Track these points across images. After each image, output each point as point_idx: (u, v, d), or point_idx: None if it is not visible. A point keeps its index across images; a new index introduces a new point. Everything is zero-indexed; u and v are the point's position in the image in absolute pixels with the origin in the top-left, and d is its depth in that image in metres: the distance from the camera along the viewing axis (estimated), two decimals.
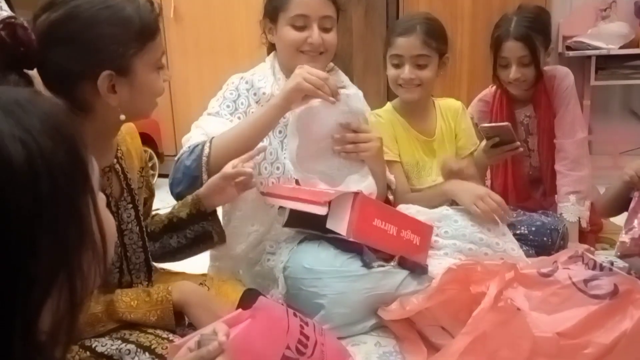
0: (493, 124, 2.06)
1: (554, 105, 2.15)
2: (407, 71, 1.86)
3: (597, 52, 3.31)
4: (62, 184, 0.55)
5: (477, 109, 2.28)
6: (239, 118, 1.64)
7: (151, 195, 1.49)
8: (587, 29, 3.45)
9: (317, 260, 1.56)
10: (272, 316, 1.05)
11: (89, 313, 1.15)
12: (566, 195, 2.08)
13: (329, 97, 1.52)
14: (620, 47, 3.26)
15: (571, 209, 2.06)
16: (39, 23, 1.09)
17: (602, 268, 1.35)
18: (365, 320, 1.58)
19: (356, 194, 1.52)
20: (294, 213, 1.61)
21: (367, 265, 1.54)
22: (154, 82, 1.20)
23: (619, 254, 1.60)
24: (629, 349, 1.23)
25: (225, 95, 1.68)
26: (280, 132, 1.67)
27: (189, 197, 1.44)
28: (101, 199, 0.64)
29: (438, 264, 1.63)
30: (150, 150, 3.56)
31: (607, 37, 3.31)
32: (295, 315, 1.12)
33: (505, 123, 2.03)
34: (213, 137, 1.53)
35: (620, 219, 1.79)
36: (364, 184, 1.67)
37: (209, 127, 1.60)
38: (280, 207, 1.65)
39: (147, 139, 3.57)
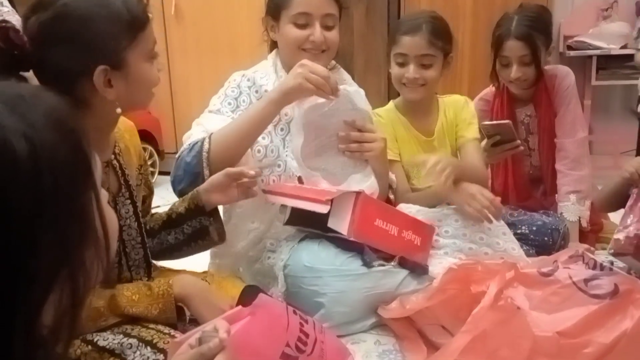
0: (494, 122, 2.06)
1: (554, 105, 2.14)
2: (411, 71, 1.84)
3: (598, 51, 3.31)
4: (65, 179, 0.55)
5: (478, 108, 2.26)
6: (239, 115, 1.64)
7: (150, 193, 1.49)
8: (588, 28, 3.45)
9: (317, 259, 1.56)
10: (272, 313, 1.05)
11: (91, 307, 1.15)
12: (566, 195, 2.08)
13: (329, 96, 1.52)
14: (621, 47, 3.26)
15: (571, 209, 2.06)
16: (29, 24, 1.09)
17: (602, 268, 1.34)
18: (365, 319, 1.58)
19: (358, 193, 1.52)
20: (295, 211, 1.60)
21: (367, 264, 1.54)
22: (148, 72, 1.21)
23: (612, 251, 1.59)
24: (629, 349, 1.23)
25: (226, 93, 1.68)
26: (282, 129, 1.67)
27: (189, 193, 1.44)
28: (103, 195, 0.64)
29: (438, 263, 1.63)
30: (150, 148, 3.56)
31: (608, 37, 3.31)
32: (295, 312, 1.12)
33: (506, 121, 2.02)
34: (212, 133, 1.53)
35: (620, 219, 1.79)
36: (367, 183, 1.66)
37: (209, 125, 1.60)
38: (282, 205, 1.65)
39: (148, 137, 3.58)
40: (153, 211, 1.53)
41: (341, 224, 1.51)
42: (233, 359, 0.82)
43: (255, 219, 1.68)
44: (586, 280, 1.34)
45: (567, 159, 2.11)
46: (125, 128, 1.38)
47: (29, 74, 1.06)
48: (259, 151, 1.62)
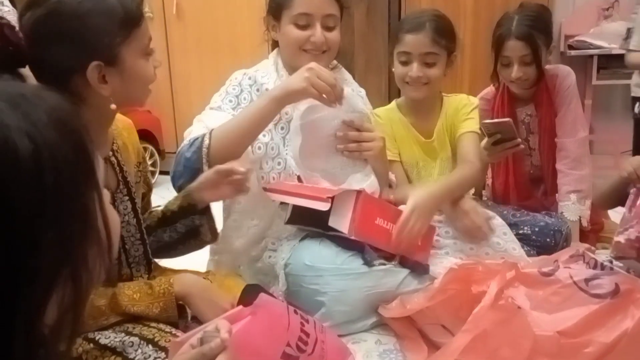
0: (495, 120, 2.06)
1: (555, 104, 2.14)
2: (415, 69, 1.81)
3: (599, 51, 3.31)
4: (68, 178, 0.55)
5: (479, 107, 2.27)
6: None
7: (149, 190, 1.49)
8: (589, 28, 3.45)
9: (318, 258, 1.56)
10: (272, 313, 1.05)
11: (92, 306, 1.15)
12: (567, 194, 2.08)
13: (332, 104, 1.51)
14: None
15: (572, 208, 2.06)
16: (24, 21, 1.10)
17: (603, 267, 1.35)
18: (365, 318, 1.58)
19: (359, 192, 1.52)
20: (296, 210, 1.60)
21: (368, 263, 1.54)
22: (143, 69, 1.21)
23: (614, 254, 1.57)
24: (630, 349, 1.23)
25: (228, 90, 1.68)
26: (282, 128, 1.66)
27: (182, 191, 1.43)
28: (105, 194, 0.64)
29: (439, 263, 1.64)
30: (151, 147, 3.57)
31: (609, 37, 3.31)
32: (295, 312, 1.12)
33: (507, 119, 2.02)
34: (213, 129, 1.53)
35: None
36: (367, 182, 1.67)
37: (210, 121, 1.60)
38: (282, 203, 1.65)
39: (149, 136, 3.58)
40: (151, 209, 1.53)
41: (342, 223, 1.51)
42: (234, 358, 0.83)
43: (255, 216, 1.67)
44: (587, 280, 1.34)
45: (567, 159, 2.11)
46: (124, 126, 1.38)
47: (25, 70, 1.07)
48: (259, 148, 1.62)
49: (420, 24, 1.80)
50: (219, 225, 1.59)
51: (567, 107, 2.12)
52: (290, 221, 1.64)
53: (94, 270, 0.59)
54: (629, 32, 2.53)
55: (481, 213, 1.73)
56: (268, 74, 1.70)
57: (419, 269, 1.60)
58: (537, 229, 1.93)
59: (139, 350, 1.13)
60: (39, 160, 0.53)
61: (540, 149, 2.21)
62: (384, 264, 1.56)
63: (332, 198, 1.48)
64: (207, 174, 1.40)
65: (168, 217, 1.43)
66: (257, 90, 1.68)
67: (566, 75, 2.14)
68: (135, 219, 1.34)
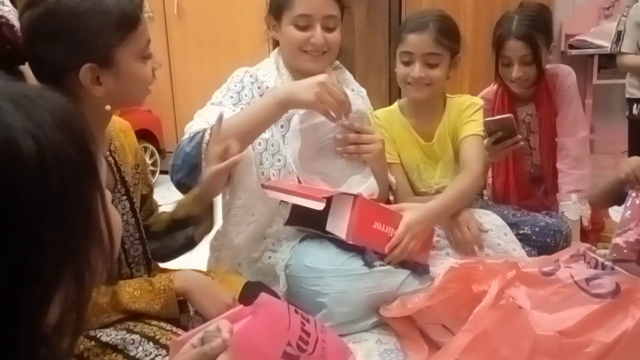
0: (496, 117, 2.05)
1: (555, 104, 2.14)
2: (417, 69, 1.78)
3: (599, 50, 3.31)
4: (71, 178, 0.56)
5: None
6: (241, 109, 1.64)
7: (150, 191, 1.49)
8: (589, 27, 3.45)
9: (319, 259, 1.56)
10: (273, 313, 1.05)
11: (94, 304, 1.16)
12: (567, 194, 2.08)
13: (337, 120, 1.51)
14: None
15: (572, 208, 2.06)
16: (23, 20, 1.10)
17: (604, 267, 1.34)
18: (366, 318, 1.58)
19: (355, 196, 1.51)
20: (294, 211, 1.60)
21: (368, 264, 1.54)
22: (139, 72, 1.20)
23: (612, 256, 1.54)
24: (630, 348, 1.23)
25: (229, 87, 1.68)
26: (282, 126, 1.66)
27: (189, 196, 1.42)
28: (107, 195, 0.64)
29: (440, 263, 1.64)
30: (151, 147, 3.57)
31: (610, 36, 3.29)
32: (296, 312, 1.12)
33: (508, 115, 2.02)
34: (213, 125, 1.52)
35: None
36: (365, 185, 1.66)
37: (211, 116, 1.59)
38: (282, 202, 1.65)
39: (149, 135, 3.58)
40: (159, 212, 1.53)
41: (339, 227, 1.50)
42: (235, 358, 0.83)
43: (255, 212, 1.67)
44: (587, 280, 1.34)
45: (568, 158, 2.11)
46: (121, 127, 1.38)
47: (25, 67, 1.08)
48: (259, 144, 1.61)
49: (424, 24, 1.77)
50: (219, 222, 1.60)
51: (567, 106, 2.12)
52: (289, 222, 1.64)
53: (97, 270, 0.59)
54: (619, 34, 2.54)
55: (474, 228, 1.72)
56: (269, 72, 1.70)
57: (419, 270, 1.60)
58: (537, 229, 1.92)
59: (140, 348, 1.13)
60: (43, 161, 0.53)
61: (541, 148, 2.21)
62: (384, 265, 1.56)
63: (329, 199, 1.48)
64: (206, 177, 1.38)
65: (177, 222, 1.42)
66: (259, 87, 1.68)
67: (566, 74, 2.14)
68: (133, 219, 1.34)
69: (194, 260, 1.62)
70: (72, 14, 1.11)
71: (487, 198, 2.29)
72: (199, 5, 3.70)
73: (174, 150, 1.54)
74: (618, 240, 1.46)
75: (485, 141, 2.05)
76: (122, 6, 1.14)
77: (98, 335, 1.15)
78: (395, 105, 2.01)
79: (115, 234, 0.64)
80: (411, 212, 1.61)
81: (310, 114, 1.57)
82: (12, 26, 1.05)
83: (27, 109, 0.54)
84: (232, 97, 1.66)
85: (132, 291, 1.23)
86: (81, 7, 1.11)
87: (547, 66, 2.12)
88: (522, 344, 1.29)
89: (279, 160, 1.65)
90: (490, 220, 1.81)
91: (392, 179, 1.87)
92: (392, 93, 3.36)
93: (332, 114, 1.50)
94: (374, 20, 3.43)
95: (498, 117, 2.05)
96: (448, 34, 1.79)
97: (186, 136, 1.54)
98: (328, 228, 1.52)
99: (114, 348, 1.14)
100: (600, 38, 3.32)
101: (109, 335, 1.15)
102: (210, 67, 3.64)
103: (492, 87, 2.25)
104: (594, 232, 2.15)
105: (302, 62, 1.64)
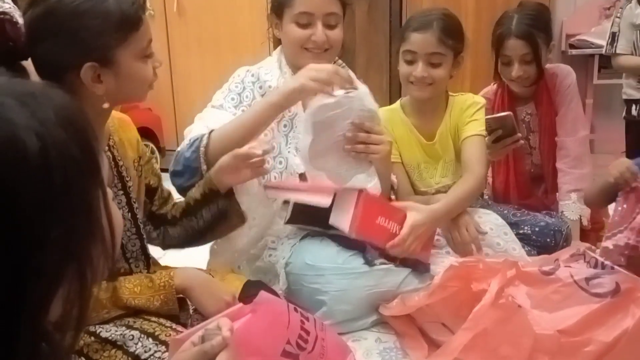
0: (496, 115, 2.04)
1: (555, 103, 2.14)
2: (420, 69, 1.76)
3: (600, 50, 3.29)
4: (74, 176, 0.56)
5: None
6: (242, 111, 1.64)
7: (159, 180, 1.49)
8: (590, 27, 3.45)
9: (319, 257, 1.56)
10: (273, 311, 1.05)
11: (94, 300, 1.16)
12: (567, 193, 2.08)
13: (344, 87, 1.48)
14: None
15: (572, 207, 2.06)
16: (25, 18, 1.11)
17: (603, 266, 1.34)
18: (366, 317, 1.59)
19: (360, 191, 1.51)
20: (297, 209, 1.60)
21: (369, 262, 1.54)
22: (140, 71, 1.21)
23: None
24: (630, 348, 1.23)
25: (230, 88, 1.68)
26: (285, 125, 1.66)
27: (204, 178, 1.45)
28: (109, 193, 0.64)
29: (440, 262, 1.64)
30: (151, 145, 3.56)
31: None
32: (296, 310, 1.12)
33: (508, 112, 2.02)
34: (212, 130, 1.53)
35: None
36: (370, 184, 1.65)
37: (211, 121, 1.60)
38: (284, 203, 1.64)
39: (149, 134, 3.58)
40: (174, 202, 1.53)
41: (342, 221, 1.50)
42: (235, 356, 0.83)
43: (257, 215, 1.67)
44: (587, 279, 1.34)
45: (567, 158, 2.11)
46: (120, 123, 1.39)
47: (27, 63, 1.09)
48: None
49: (428, 23, 1.76)
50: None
51: (567, 106, 2.13)
52: (290, 221, 1.64)
53: (98, 267, 0.59)
54: (613, 36, 2.54)
55: (472, 230, 1.73)
56: (271, 71, 1.70)
57: (420, 268, 1.60)
58: (537, 229, 1.92)
59: (139, 344, 1.14)
60: (47, 159, 0.53)
61: (541, 147, 2.21)
62: (385, 263, 1.56)
63: (334, 195, 1.48)
64: (224, 158, 1.40)
65: (192, 206, 1.44)
66: (260, 87, 1.68)
67: (566, 74, 2.14)
68: (130, 213, 1.34)
69: (195, 260, 1.62)
70: (72, 13, 1.11)
71: (487, 197, 2.29)
72: (199, 3, 3.69)
73: (174, 156, 1.55)
74: (607, 243, 1.46)
75: (486, 139, 2.05)
76: (123, 8, 1.15)
77: (98, 331, 1.16)
78: (397, 104, 2.00)
79: (117, 231, 0.64)
80: (415, 213, 1.61)
81: (324, 107, 1.54)
82: (16, 23, 1.06)
83: (32, 106, 0.55)
84: (233, 99, 1.66)
85: (132, 287, 1.23)
86: (82, 7, 1.12)
87: (547, 65, 2.12)
88: (522, 342, 1.29)
89: (280, 163, 1.65)
90: (490, 220, 1.81)
91: (394, 178, 1.86)
92: (392, 91, 3.36)
93: (329, 89, 1.48)
94: (375, 18, 3.42)
95: (498, 114, 2.05)
96: (452, 33, 1.78)
97: (186, 141, 1.54)
98: (331, 221, 1.50)
99: (113, 344, 1.14)
100: (601, 38, 3.30)
101: (108, 331, 1.16)
102: (211, 65, 3.63)
103: (492, 87, 2.25)
104: (594, 231, 2.15)
105: (304, 59, 1.64)
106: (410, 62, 1.80)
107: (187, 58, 3.77)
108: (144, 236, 1.38)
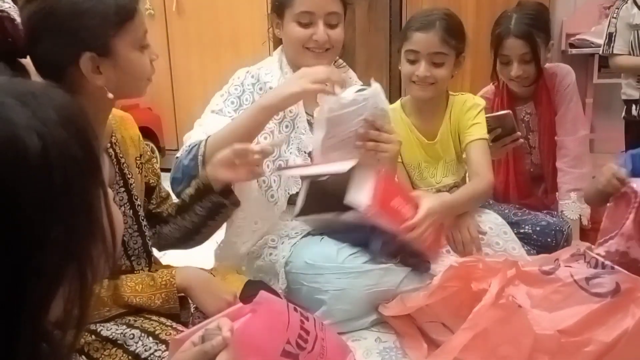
0: (495, 114, 2.05)
1: (555, 103, 2.15)
2: (422, 68, 1.77)
3: (600, 50, 3.30)
4: (75, 176, 0.56)
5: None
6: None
7: (158, 179, 1.49)
8: (590, 26, 3.45)
9: (319, 256, 1.56)
10: (272, 311, 1.05)
11: (96, 298, 1.16)
12: (567, 193, 2.08)
13: (335, 92, 1.48)
14: None
15: (572, 207, 2.06)
16: (23, 15, 1.12)
17: (604, 266, 1.34)
18: (366, 316, 1.59)
19: (379, 170, 1.48)
20: (311, 194, 1.54)
21: (373, 255, 1.53)
22: (137, 61, 1.22)
23: None
24: (630, 347, 1.23)
25: (229, 91, 1.67)
26: (286, 126, 1.66)
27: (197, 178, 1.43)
28: (110, 193, 0.64)
29: (441, 261, 1.64)
30: (151, 145, 3.56)
31: None
32: (295, 310, 1.12)
33: (507, 111, 2.02)
34: (209, 137, 1.52)
35: None
36: None
37: (209, 126, 1.59)
38: (289, 203, 1.63)
39: (149, 133, 3.58)
40: (171, 202, 1.53)
41: (361, 198, 1.44)
42: (235, 356, 0.83)
43: (259, 219, 1.67)
44: (587, 279, 1.34)
45: (567, 157, 2.12)
46: (122, 120, 1.39)
47: (27, 60, 1.09)
48: None
49: (430, 23, 1.76)
50: (222, 231, 1.59)
51: (566, 105, 2.13)
52: (302, 212, 1.57)
53: (99, 267, 0.60)
54: (610, 36, 2.54)
55: (473, 230, 1.73)
56: (272, 71, 1.70)
57: (420, 268, 1.59)
58: (538, 229, 1.92)
59: (140, 343, 1.14)
60: (48, 158, 0.53)
61: (540, 147, 2.21)
62: (387, 263, 1.56)
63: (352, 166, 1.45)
64: (223, 151, 1.38)
65: (187, 203, 1.42)
66: (260, 89, 1.67)
67: (566, 74, 2.14)
68: (131, 211, 1.34)
69: (196, 259, 1.62)
70: (69, 5, 1.12)
71: None
72: (198, 2, 3.69)
73: (174, 163, 1.55)
74: (599, 250, 1.45)
75: None
76: None
77: (98, 330, 1.16)
78: (397, 103, 2.00)
79: (117, 231, 0.64)
80: (429, 199, 1.60)
81: (338, 104, 1.53)
82: (14, 20, 1.07)
83: (32, 106, 0.55)
84: (232, 102, 1.65)
85: (134, 285, 1.24)
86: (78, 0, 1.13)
87: (547, 65, 2.12)
88: (521, 342, 1.29)
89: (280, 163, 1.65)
90: (490, 219, 1.81)
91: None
92: (392, 90, 3.36)
93: (329, 90, 1.48)
94: (374, 18, 3.43)
95: (497, 113, 2.05)
96: (454, 33, 1.78)
97: (185, 147, 1.54)
98: (348, 200, 1.45)
99: (113, 342, 1.14)
100: (601, 37, 3.29)
101: (109, 330, 1.16)
102: (211, 65, 3.63)
103: (492, 86, 2.25)
104: (594, 231, 2.14)
105: (305, 59, 1.63)
106: (412, 62, 1.80)
107: (187, 58, 3.76)
108: (146, 234, 1.38)
